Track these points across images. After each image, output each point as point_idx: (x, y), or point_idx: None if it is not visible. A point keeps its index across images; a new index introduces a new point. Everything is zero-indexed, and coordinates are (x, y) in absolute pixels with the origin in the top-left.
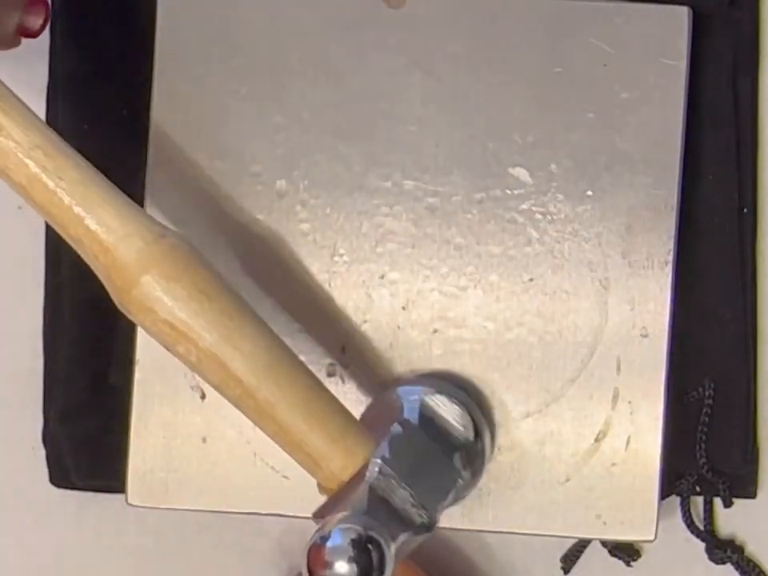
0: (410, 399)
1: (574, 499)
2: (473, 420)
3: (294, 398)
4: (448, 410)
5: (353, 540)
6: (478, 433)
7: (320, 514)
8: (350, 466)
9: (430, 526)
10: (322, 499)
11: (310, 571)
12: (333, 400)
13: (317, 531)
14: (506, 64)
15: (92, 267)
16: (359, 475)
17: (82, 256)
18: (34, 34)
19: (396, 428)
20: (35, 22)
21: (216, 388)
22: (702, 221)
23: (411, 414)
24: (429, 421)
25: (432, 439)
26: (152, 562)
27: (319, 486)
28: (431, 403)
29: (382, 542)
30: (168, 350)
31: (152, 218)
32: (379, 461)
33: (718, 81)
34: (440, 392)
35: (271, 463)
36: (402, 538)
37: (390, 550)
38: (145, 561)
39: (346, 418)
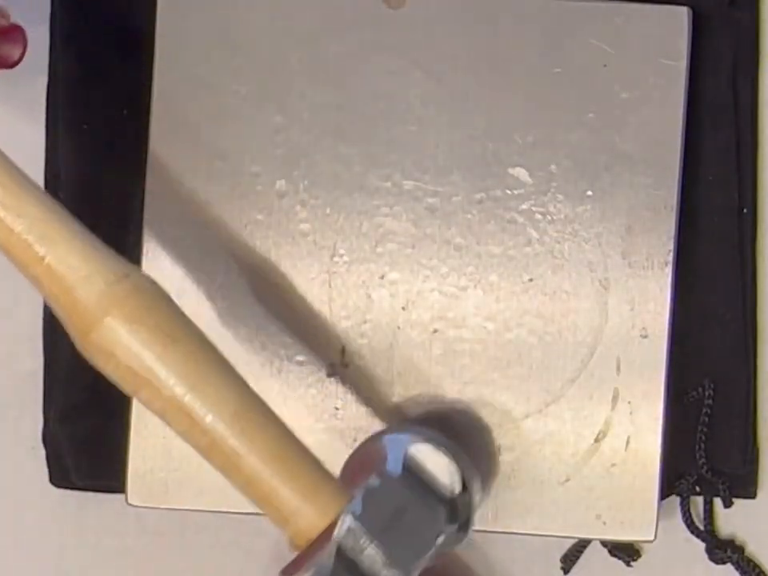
0: (395, 449)
1: (574, 499)
2: (461, 471)
3: (262, 451)
4: (434, 461)
5: None
6: (465, 485)
7: (288, 572)
8: (320, 523)
9: None
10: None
11: None
12: (304, 452)
13: None
14: (506, 64)
15: (52, 309)
16: (328, 531)
17: (43, 296)
18: (11, 65)
19: (373, 481)
20: (13, 51)
21: (181, 436)
22: (702, 221)
23: (394, 465)
24: (413, 472)
25: (414, 492)
26: (152, 561)
27: (289, 541)
28: (417, 453)
29: None
30: (131, 396)
31: (117, 257)
32: (349, 517)
33: (717, 81)
34: (427, 441)
35: None
36: None
37: None
38: (145, 561)
39: (319, 472)
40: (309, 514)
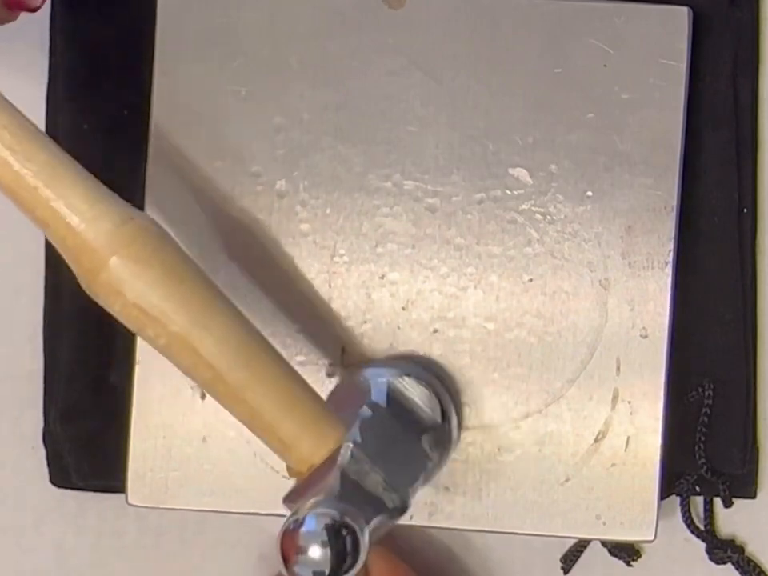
0: (378, 381)
1: (574, 499)
2: (440, 402)
3: (265, 382)
4: (415, 393)
5: (327, 525)
6: (445, 415)
7: (291, 499)
8: (320, 450)
9: (402, 509)
10: None
11: (283, 557)
12: (304, 385)
13: (290, 516)
14: (506, 64)
15: (59, 251)
16: (330, 459)
17: (50, 240)
18: (34, 9)
19: (365, 411)
20: None
21: (185, 372)
22: (701, 221)
23: (379, 397)
24: (397, 403)
25: (400, 422)
26: (152, 561)
27: (289, 469)
28: (399, 386)
29: (356, 527)
30: (137, 333)
31: (122, 201)
32: (351, 444)
33: (717, 81)
34: (407, 374)
35: (271, 463)
36: (375, 522)
37: (364, 535)
38: (145, 561)
39: (318, 403)
40: (310, 442)
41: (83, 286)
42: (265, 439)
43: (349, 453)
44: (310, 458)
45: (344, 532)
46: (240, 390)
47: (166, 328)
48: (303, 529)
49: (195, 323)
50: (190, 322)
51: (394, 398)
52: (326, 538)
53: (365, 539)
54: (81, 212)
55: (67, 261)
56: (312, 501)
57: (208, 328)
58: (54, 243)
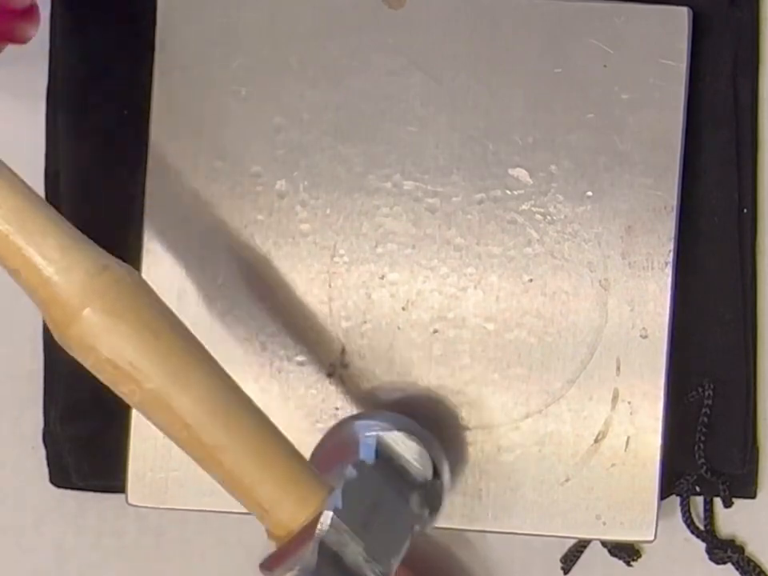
0: (367, 436)
1: (574, 499)
2: (431, 458)
3: (243, 444)
4: (406, 448)
5: None
6: (436, 471)
7: (267, 566)
8: (300, 516)
9: None
10: None
11: None
12: (285, 444)
13: None
14: (506, 64)
15: (32, 300)
16: (310, 527)
17: (22, 288)
18: (25, 41)
19: (350, 472)
20: (30, 30)
21: (161, 429)
22: (701, 221)
23: (367, 453)
24: (385, 460)
25: (388, 481)
26: (152, 561)
27: (268, 532)
28: (388, 441)
29: None
30: (112, 389)
31: (96, 248)
32: (331, 513)
33: (717, 81)
34: (398, 428)
35: None
36: None
37: None
38: (145, 561)
39: (299, 464)
40: (289, 507)
41: (55, 337)
42: (242, 502)
43: (328, 522)
44: (290, 523)
45: None
46: (217, 452)
47: (140, 385)
48: None
49: (171, 381)
50: (165, 379)
51: (383, 454)
52: None
53: None
54: (53, 261)
55: (40, 311)
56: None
57: (185, 386)
58: (26, 293)
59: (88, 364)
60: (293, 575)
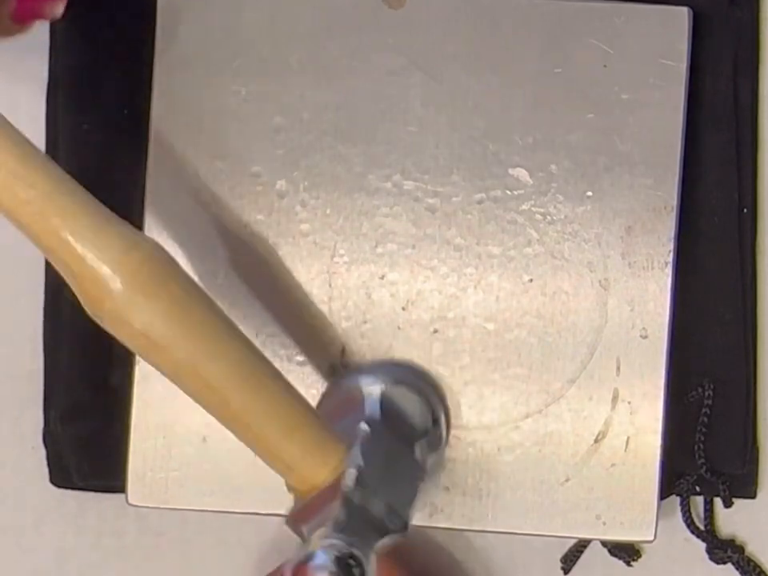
0: (371, 392)
1: (574, 499)
2: (431, 407)
3: (269, 408)
4: (407, 401)
5: (336, 558)
6: (436, 420)
7: (294, 521)
8: (323, 471)
9: (404, 529)
10: None
11: None
12: (306, 407)
13: (300, 550)
14: (506, 64)
15: (65, 278)
16: (334, 485)
17: (55, 266)
18: (54, 20)
19: (364, 428)
20: (58, 7)
21: (191, 395)
22: (701, 221)
23: (373, 409)
24: (390, 414)
25: (396, 434)
26: (152, 561)
27: (289, 486)
28: (391, 395)
29: (363, 558)
30: (143, 358)
31: (128, 226)
32: (354, 470)
33: (717, 81)
34: (398, 381)
35: None
36: (379, 544)
37: (370, 563)
38: (145, 561)
39: (320, 425)
40: (312, 464)
41: (89, 312)
42: (268, 461)
43: (354, 479)
44: (313, 479)
45: (352, 563)
46: (244, 416)
47: (171, 355)
48: (313, 562)
49: (201, 350)
50: (196, 350)
51: (388, 410)
52: (335, 570)
53: (370, 567)
54: (86, 239)
55: (73, 288)
56: (319, 532)
57: (213, 355)
58: (59, 270)
59: (121, 336)
60: (324, 531)
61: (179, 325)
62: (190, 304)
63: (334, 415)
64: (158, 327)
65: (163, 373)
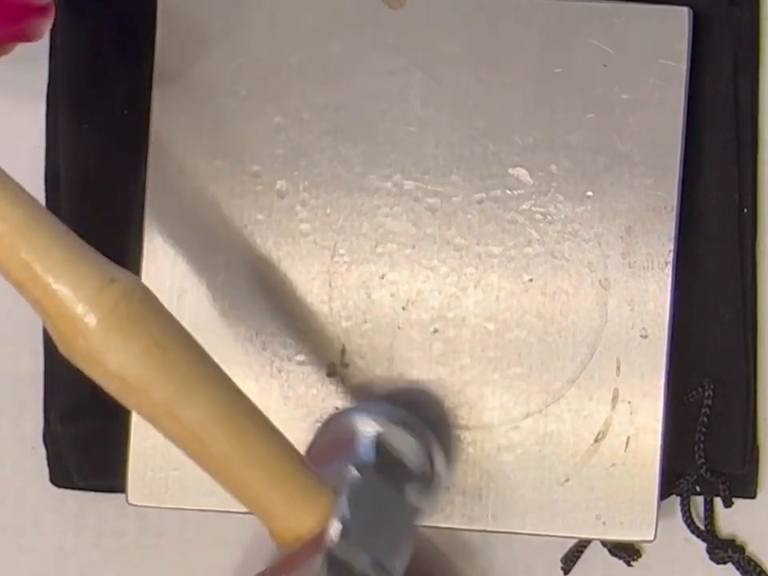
0: (365, 433)
1: (574, 499)
2: (427, 449)
3: (250, 454)
4: (403, 443)
5: None
6: (432, 462)
7: (276, 574)
8: (307, 521)
9: None
10: None
11: None
12: (290, 451)
13: None
14: (506, 64)
15: (37, 313)
16: (319, 537)
17: (27, 302)
18: (38, 38)
19: (353, 475)
20: (44, 26)
21: (169, 438)
22: (702, 221)
23: (366, 452)
24: (383, 457)
25: (387, 478)
26: (152, 561)
27: (272, 533)
28: (386, 437)
29: None
30: (119, 400)
31: (103, 260)
32: (339, 524)
33: (717, 81)
34: (393, 422)
35: None
36: None
37: None
38: (145, 561)
39: (303, 470)
40: (295, 513)
41: (60, 350)
42: (250, 508)
43: (338, 533)
44: (297, 528)
45: None
46: (225, 462)
47: (148, 398)
48: None
49: (179, 394)
50: (173, 393)
51: (381, 451)
52: None
53: None
54: (59, 275)
55: (45, 326)
56: None
57: (192, 399)
58: (32, 306)
59: (95, 377)
60: None
61: (156, 366)
62: (167, 345)
63: (325, 455)
64: (133, 368)
65: (141, 415)
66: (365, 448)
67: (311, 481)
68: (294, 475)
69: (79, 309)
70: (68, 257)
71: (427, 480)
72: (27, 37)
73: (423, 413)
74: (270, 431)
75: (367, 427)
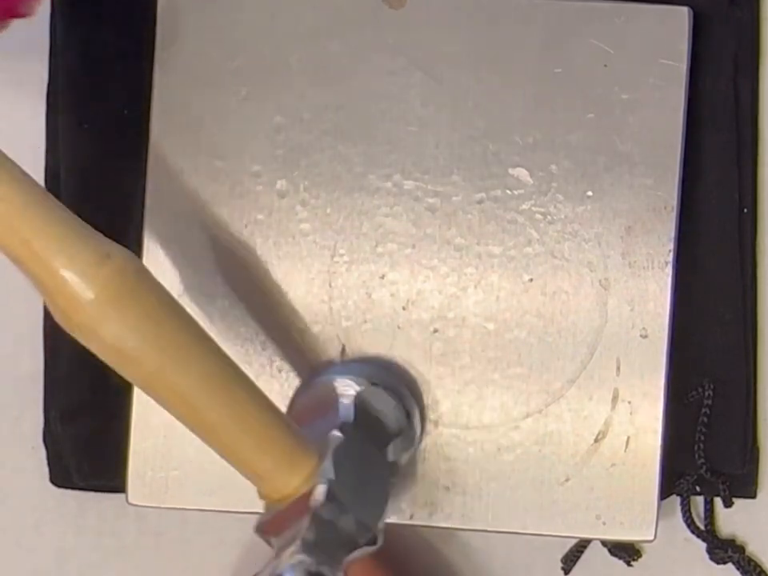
0: (345, 394)
1: (574, 499)
2: (404, 407)
3: (241, 420)
4: (381, 402)
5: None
6: (410, 419)
7: (262, 530)
8: (294, 481)
9: (374, 543)
10: None
11: None
12: (280, 417)
13: (268, 566)
14: (506, 64)
15: (36, 289)
16: (304, 497)
17: (26, 277)
18: (29, 16)
19: (336, 437)
20: (33, 6)
21: (162, 406)
22: (702, 221)
23: (346, 413)
24: (363, 417)
25: (368, 437)
26: (152, 561)
27: (260, 493)
28: (365, 398)
29: (331, 575)
30: (116, 370)
31: (100, 237)
32: (325, 485)
33: (717, 81)
34: (371, 381)
35: None
36: (349, 558)
37: None
38: (145, 561)
39: (290, 433)
40: (282, 474)
41: (59, 323)
42: (239, 469)
43: (324, 494)
44: (284, 488)
45: None
46: (216, 428)
47: (143, 368)
48: None
49: (172, 362)
50: (167, 362)
51: (361, 411)
52: None
53: None
54: (56, 252)
55: (44, 300)
56: (288, 550)
57: (184, 368)
58: (30, 281)
59: (93, 349)
60: (293, 549)
61: (150, 337)
62: (161, 316)
63: (306, 415)
64: (128, 340)
65: (136, 384)
66: (345, 409)
67: (298, 443)
68: (282, 438)
69: (76, 285)
70: (65, 234)
71: (405, 437)
72: (19, 12)
73: (423, 413)
74: (257, 397)
75: (347, 388)
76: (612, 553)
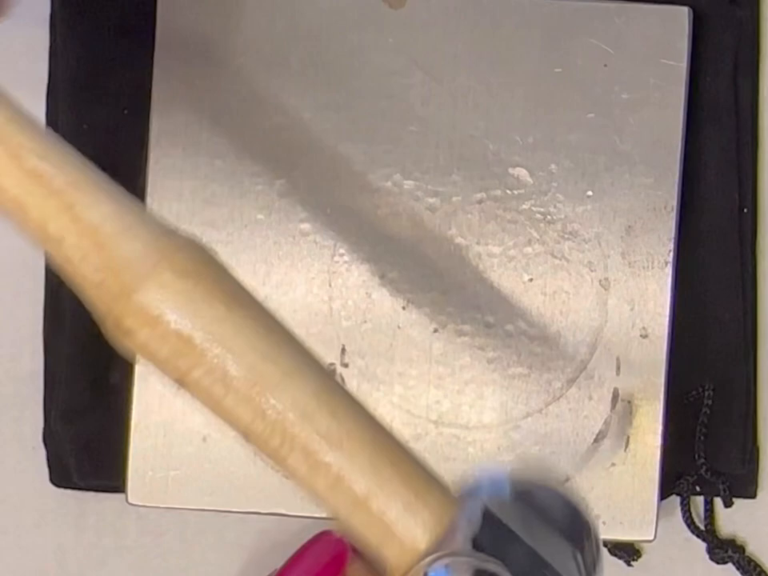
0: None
1: None
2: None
3: (357, 443)
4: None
5: None
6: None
7: None
8: (431, 536)
9: None
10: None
11: None
12: (402, 444)
13: None
14: (506, 64)
15: (73, 275)
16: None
17: (61, 262)
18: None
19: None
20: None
21: (248, 440)
22: (702, 221)
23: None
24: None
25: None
26: (152, 561)
27: (389, 564)
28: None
29: None
30: (178, 380)
31: (158, 218)
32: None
33: (717, 81)
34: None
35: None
36: None
37: None
38: (145, 561)
39: (425, 469)
40: (421, 522)
41: (106, 321)
42: (351, 521)
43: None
44: (418, 545)
45: None
46: (321, 453)
47: (222, 367)
48: None
49: (262, 361)
50: (255, 360)
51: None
52: None
53: None
54: (112, 220)
55: (85, 288)
56: None
57: (278, 372)
58: (65, 267)
59: (142, 338)
60: None
61: (229, 320)
62: (241, 298)
63: None
64: (201, 321)
65: (206, 404)
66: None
67: (435, 480)
68: (417, 471)
69: (136, 254)
70: (123, 205)
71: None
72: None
73: (423, 413)
74: (373, 417)
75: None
76: (612, 553)
